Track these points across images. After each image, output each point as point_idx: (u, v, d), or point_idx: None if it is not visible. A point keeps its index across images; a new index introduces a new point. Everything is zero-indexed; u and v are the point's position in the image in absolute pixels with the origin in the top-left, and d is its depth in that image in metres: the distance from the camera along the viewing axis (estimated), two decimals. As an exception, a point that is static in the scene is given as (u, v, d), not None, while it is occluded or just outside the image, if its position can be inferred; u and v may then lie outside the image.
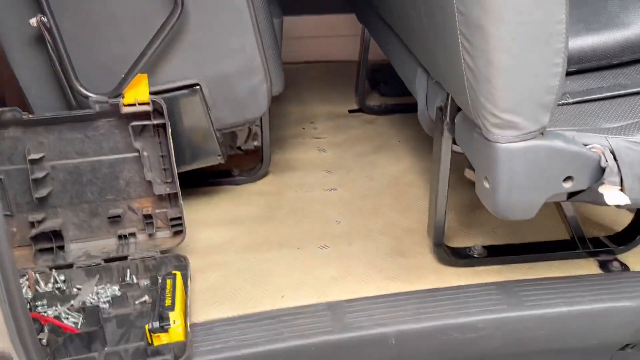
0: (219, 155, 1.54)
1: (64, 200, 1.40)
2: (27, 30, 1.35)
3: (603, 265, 1.46)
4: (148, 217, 1.45)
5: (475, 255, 1.48)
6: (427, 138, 2.11)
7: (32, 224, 1.38)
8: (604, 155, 1.00)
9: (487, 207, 1.08)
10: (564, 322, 1.33)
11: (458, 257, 1.48)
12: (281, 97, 2.45)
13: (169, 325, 1.13)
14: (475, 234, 1.60)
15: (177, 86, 1.43)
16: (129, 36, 1.37)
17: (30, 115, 1.34)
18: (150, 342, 1.15)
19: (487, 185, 1.04)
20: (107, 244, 1.44)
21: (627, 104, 1.14)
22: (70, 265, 1.37)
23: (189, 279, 1.35)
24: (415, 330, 1.28)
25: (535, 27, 0.90)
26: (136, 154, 1.39)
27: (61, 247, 1.42)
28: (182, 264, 1.39)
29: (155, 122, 1.35)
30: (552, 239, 1.55)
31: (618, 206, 1.07)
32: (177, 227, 1.45)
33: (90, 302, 1.31)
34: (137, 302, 1.33)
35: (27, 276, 1.32)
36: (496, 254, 1.49)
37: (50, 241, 1.41)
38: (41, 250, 1.41)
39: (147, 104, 1.33)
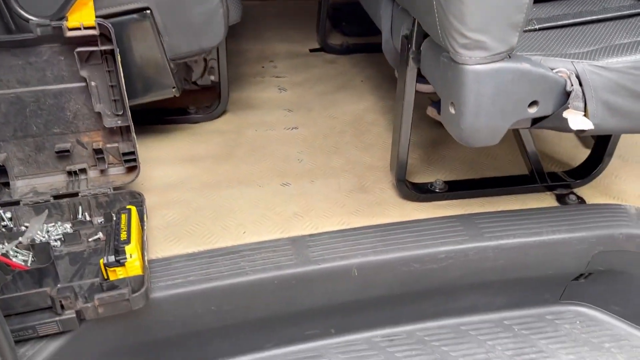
0: (174, 88, 1.46)
1: (7, 133, 1.31)
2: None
3: (560, 199, 1.49)
4: (99, 152, 1.37)
5: (437, 190, 1.48)
6: (389, 77, 2.09)
7: (-28, 159, 1.29)
8: (569, 79, 0.99)
9: (452, 134, 1.06)
10: (522, 252, 1.36)
11: (420, 192, 1.48)
12: (239, 35, 2.37)
13: (125, 259, 1.09)
14: (436, 170, 1.60)
15: (125, 10, 1.34)
16: (72, -46, 1.26)
17: (-36, 40, 1.23)
18: (106, 277, 1.11)
19: (452, 111, 1.02)
20: (56, 181, 1.37)
21: (594, 31, 1.13)
22: (16, 203, 1.30)
23: (145, 215, 1.30)
24: (377, 262, 1.29)
25: (506, -59, 0.87)
26: (83, 83, 1.30)
27: (6, 184, 1.34)
28: (137, 200, 1.33)
29: (103, 48, 1.26)
30: (511, 174, 1.57)
31: (580, 133, 1.07)
32: (131, 162, 1.38)
33: (40, 240, 1.24)
34: (90, 240, 1.28)
35: (-31, 214, 1.24)
36: (457, 188, 1.50)
37: (-7, 177, 1.32)
38: (-16, 187, 1.33)
39: (94, 27, 1.23)
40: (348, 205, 1.46)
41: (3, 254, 1.17)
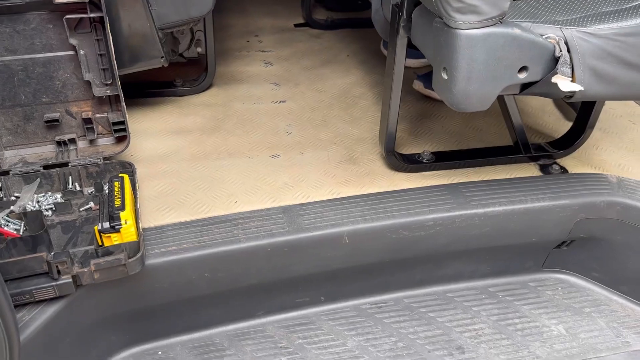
0: (162, 57, 1.46)
1: (-6, 102, 1.29)
2: None
3: (544, 169, 1.53)
4: (88, 121, 1.36)
5: (424, 161, 1.51)
6: (375, 52, 2.10)
7: (-41, 129, 1.27)
8: (558, 45, 1.02)
9: (444, 100, 1.09)
10: (507, 219, 1.39)
11: (408, 162, 1.50)
12: (225, 9, 2.36)
13: (120, 225, 1.09)
14: (423, 142, 1.62)
15: (115, -23, 1.32)
16: None
17: (-52, 6, 1.20)
18: (100, 243, 1.11)
19: (445, 76, 1.04)
20: (45, 151, 1.36)
21: (581, -1, 1.16)
22: (6, 173, 1.29)
23: (137, 185, 1.30)
24: (367, 229, 1.31)
25: None
26: (72, 52, 1.29)
27: (-6, 154, 1.32)
28: (128, 170, 1.33)
29: (92, 15, 1.25)
30: (496, 145, 1.60)
31: (567, 98, 1.10)
32: (120, 132, 1.38)
33: (32, 209, 1.24)
34: (82, 209, 1.28)
35: (-43, 183, 1.23)
36: (444, 159, 1.53)
37: (-20, 147, 1.31)
38: (-29, 158, 1.31)
39: (83, -6, 1.22)
40: (338, 176, 1.48)
41: (-6, 223, 1.16)
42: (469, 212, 1.37)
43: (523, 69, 1.03)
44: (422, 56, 1.35)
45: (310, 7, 2.30)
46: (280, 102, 1.81)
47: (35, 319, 1.04)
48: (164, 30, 1.44)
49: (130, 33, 1.39)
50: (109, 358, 1.25)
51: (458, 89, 1.02)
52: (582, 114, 1.55)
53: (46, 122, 1.33)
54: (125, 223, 1.10)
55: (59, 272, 1.04)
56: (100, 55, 1.31)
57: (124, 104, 1.34)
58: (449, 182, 1.47)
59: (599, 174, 1.51)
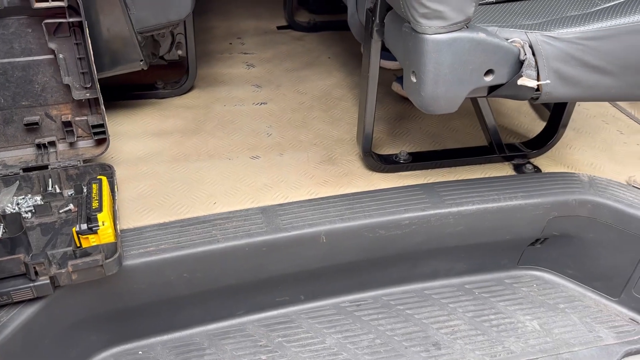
0: (141, 61, 1.47)
1: (-27, 106, 1.30)
2: None
3: (517, 168, 1.56)
4: (68, 124, 1.38)
5: (401, 161, 1.54)
6: (356, 54, 2.13)
7: (-62, 132, 1.29)
8: (522, 49, 1.05)
9: (414, 102, 1.11)
10: (481, 218, 1.42)
11: (385, 162, 1.53)
12: (207, 12, 2.37)
13: (98, 226, 1.11)
14: (401, 142, 1.65)
15: (93, -18, 1.34)
16: None
17: None
18: (78, 244, 1.13)
19: (414, 79, 1.07)
20: (25, 154, 1.37)
21: (547, 3, 1.19)
22: (-15, 175, 1.30)
23: (115, 186, 1.31)
24: (345, 229, 1.34)
25: None
26: (51, 55, 1.31)
27: (-27, 157, 1.33)
28: (107, 172, 1.35)
29: (71, 19, 1.26)
30: (471, 145, 1.63)
31: (534, 100, 1.14)
32: (100, 135, 1.39)
33: (11, 212, 1.25)
34: (61, 211, 1.29)
35: (-64, 186, 1.24)
36: (420, 159, 1.55)
37: (-40, 151, 1.32)
38: (-50, 161, 1.32)
39: (61, -1, 1.23)
40: (317, 177, 1.50)
41: (-27, 225, 1.18)
42: (443, 211, 1.40)
43: (489, 72, 1.06)
44: (399, 58, 1.38)
45: (293, 9, 2.32)
46: (262, 103, 1.83)
47: (14, 320, 1.06)
48: (144, 34, 1.46)
49: (110, 37, 1.40)
50: (89, 358, 1.27)
51: (426, 91, 1.05)
52: (555, 114, 1.58)
53: (26, 125, 1.35)
54: (103, 224, 1.11)
55: (36, 273, 1.05)
56: (80, 59, 1.32)
57: (104, 107, 1.36)
58: (425, 181, 1.50)
59: (571, 173, 1.55)
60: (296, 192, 1.45)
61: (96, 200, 1.16)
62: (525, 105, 1.86)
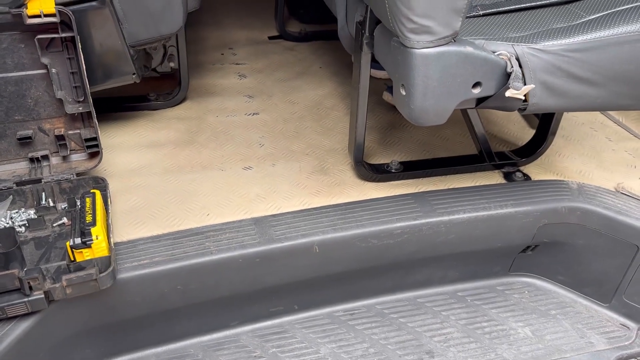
0: (134, 74, 1.48)
1: (-34, 121, 1.31)
2: None
3: (507, 176, 1.58)
4: (61, 138, 1.38)
5: (393, 171, 1.55)
6: (347, 64, 2.15)
7: None
8: (509, 61, 1.07)
9: (404, 114, 1.13)
10: (471, 226, 1.44)
11: (377, 172, 1.54)
12: (198, 22, 2.39)
13: (92, 240, 1.12)
14: (392, 152, 1.67)
15: (85, -3, 1.35)
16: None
17: None
18: (72, 259, 1.13)
19: (403, 92, 1.09)
20: (18, 168, 1.37)
21: (533, 16, 1.21)
22: (-22, 190, 1.30)
23: (109, 200, 1.32)
24: (337, 239, 1.35)
25: None
26: (44, 70, 1.31)
27: (-34, 172, 1.34)
28: (100, 185, 1.35)
29: (64, 35, 1.27)
30: (462, 154, 1.65)
31: (522, 111, 1.15)
32: (93, 148, 1.40)
33: (5, 226, 1.26)
34: (55, 225, 1.30)
35: None
36: (411, 168, 1.57)
37: (-47, 165, 1.32)
38: (-57, 176, 1.33)
39: (54, 15, 1.24)
40: (309, 187, 1.52)
41: (-33, 241, 1.18)
42: (434, 219, 1.41)
43: (477, 84, 1.08)
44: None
45: (284, 19, 2.34)
46: (254, 114, 1.84)
47: (8, 335, 1.06)
48: (136, 47, 1.47)
49: (102, 51, 1.41)
50: (83, 371, 1.28)
51: (415, 104, 1.06)
52: (544, 122, 1.60)
53: (19, 139, 1.35)
54: (97, 238, 1.12)
55: (30, 288, 1.06)
56: (72, 73, 1.33)
57: (96, 121, 1.37)
58: (417, 190, 1.52)
59: (560, 180, 1.57)
60: (289, 202, 1.46)
61: (90, 214, 1.17)
62: (514, 114, 1.88)
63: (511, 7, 1.22)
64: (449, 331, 1.48)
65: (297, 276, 1.38)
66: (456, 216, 1.43)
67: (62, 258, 1.20)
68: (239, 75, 2.06)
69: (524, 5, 1.23)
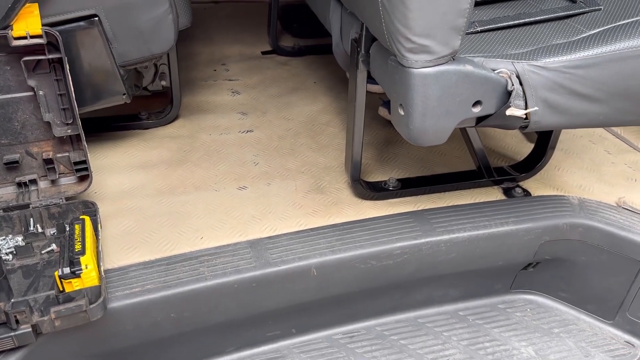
0: (124, 94, 1.45)
1: (-49, 145, 1.27)
2: None
3: (507, 192, 1.56)
4: (49, 161, 1.34)
5: (390, 188, 1.52)
6: (342, 78, 2.12)
7: None
8: (510, 79, 1.04)
9: (402, 135, 1.10)
10: (472, 245, 1.41)
11: (374, 190, 1.51)
12: (190, 38, 2.36)
13: (81, 270, 1.08)
14: (389, 168, 1.64)
15: (73, 17, 1.31)
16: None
17: None
18: (61, 289, 1.09)
19: (402, 112, 1.06)
20: (5, 193, 1.33)
21: (532, 32, 1.19)
22: (-37, 217, 1.26)
23: (99, 225, 1.28)
24: (335, 261, 1.31)
25: (446, -51, 0.91)
26: (31, 92, 1.28)
27: (-49, 198, 1.29)
28: (90, 210, 1.31)
29: (51, 56, 1.24)
30: (460, 169, 1.62)
31: (523, 129, 1.13)
32: (82, 171, 1.36)
33: (-10, 254, 1.21)
34: (43, 252, 1.25)
35: None
36: (409, 185, 1.54)
37: (-63, 191, 1.28)
38: None
39: (40, 36, 1.21)
40: (305, 206, 1.48)
41: (-49, 271, 1.13)
42: (435, 239, 1.38)
43: (477, 103, 1.05)
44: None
45: (277, 34, 2.31)
46: (248, 131, 1.81)
47: (-6, 371, 1.02)
48: (126, 67, 1.44)
49: (91, 72, 1.38)
50: (74, 404, 1.23)
51: (415, 125, 1.03)
52: (543, 135, 1.58)
53: (5, 163, 1.31)
54: (86, 268, 1.08)
55: (17, 321, 1.01)
56: (60, 95, 1.29)
57: (85, 143, 1.33)
58: (415, 208, 1.49)
59: (560, 195, 1.54)
60: (285, 223, 1.42)
61: (79, 242, 1.13)
62: (512, 127, 1.86)
63: (510, 23, 1.20)
64: (451, 352, 1.45)
65: (294, 300, 1.34)
66: (456, 235, 1.39)
67: (51, 287, 1.16)
68: (232, 92, 2.03)
69: (523, 20, 1.21)
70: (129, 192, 1.50)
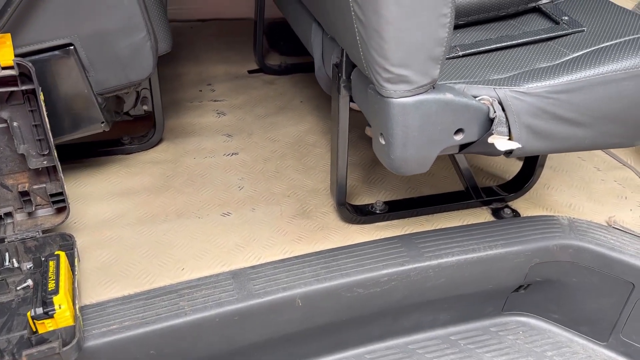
0: (103, 123, 1.42)
1: None
2: None
3: (495, 213, 1.53)
4: (25, 194, 1.31)
5: (377, 212, 1.49)
6: (328, 98, 2.09)
7: None
8: (492, 106, 1.02)
9: (384, 164, 1.07)
10: (461, 269, 1.38)
11: (361, 214, 1.48)
12: (175, 58, 2.33)
13: (54, 310, 1.04)
14: (376, 191, 1.61)
15: (47, 47, 1.28)
16: (-14, -10, 1.20)
17: None
18: (34, 330, 1.05)
19: (382, 141, 1.03)
20: (-21, 227, 1.30)
21: (514, 55, 1.17)
22: None
23: (76, 259, 1.24)
24: (321, 290, 1.28)
25: (422, -23, 0.88)
26: (4, 124, 1.24)
27: None
28: (67, 243, 1.28)
29: (24, 87, 1.21)
30: (447, 190, 1.60)
31: (508, 154, 1.10)
32: (60, 203, 1.33)
33: (-37, 293, 1.18)
34: (19, 288, 1.22)
35: None
36: (397, 208, 1.51)
37: None
38: None
39: (12, 67, 1.18)
40: (290, 233, 1.45)
41: None
42: (422, 264, 1.35)
43: (459, 131, 1.03)
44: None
45: (263, 52, 2.29)
46: (233, 154, 1.78)
47: (-37, 420, 0.98)
48: (104, 95, 1.41)
49: (68, 101, 1.35)
50: None
51: (396, 154, 1.01)
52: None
53: (-21, 197, 1.28)
54: (60, 308, 1.04)
55: (-14, 367, 0.98)
56: (35, 126, 1.26)
57: (62, 174, 1.29)
58: (403, 232, 1.46)
59: (550, 216, 1.51)
60: (269, 251, 1.39)
61: (52, 280, 1.09)
62: (500, 145, 1.83)
63: (492, 47, 1.17)
64: (442, 379, 1.41)
65: (279, 331, 1.31)
66: (445, 260, 1.36)
67: (25, 327, 1.12)
68: (218, 113, 2.00)
69: (505, 44, 1.18)
70: (109, 221, 1.47)
